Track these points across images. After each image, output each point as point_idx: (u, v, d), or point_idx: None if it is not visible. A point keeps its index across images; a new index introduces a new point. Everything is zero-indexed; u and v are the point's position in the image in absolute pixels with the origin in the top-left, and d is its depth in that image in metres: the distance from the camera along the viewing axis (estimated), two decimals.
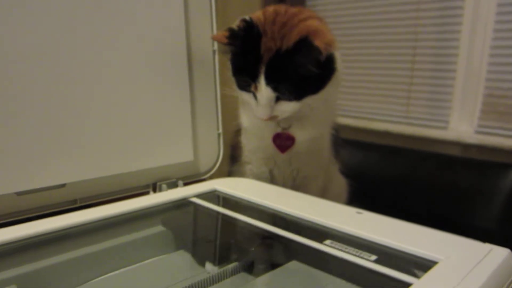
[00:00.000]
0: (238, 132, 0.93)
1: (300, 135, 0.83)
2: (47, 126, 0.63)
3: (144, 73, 0.74)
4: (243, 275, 0.56)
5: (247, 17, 0.74)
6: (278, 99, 0.72)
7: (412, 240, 0.53)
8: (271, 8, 0.75)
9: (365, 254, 0.52)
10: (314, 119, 0.83)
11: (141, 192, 0.76)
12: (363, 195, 1.02)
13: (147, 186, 0.77)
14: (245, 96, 0.76)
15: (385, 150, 1.41)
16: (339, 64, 0.77)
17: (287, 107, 0.73)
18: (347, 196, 1.04)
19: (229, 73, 0.78)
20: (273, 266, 0.55)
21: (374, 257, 0.51)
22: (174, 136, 0.78)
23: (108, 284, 0.56)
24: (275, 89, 0.70)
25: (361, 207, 0.65)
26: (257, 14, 0.75)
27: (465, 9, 1.66)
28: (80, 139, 0.67)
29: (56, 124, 0.64)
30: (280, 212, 0.66)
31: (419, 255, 0.50)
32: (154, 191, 0.77)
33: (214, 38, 0.79)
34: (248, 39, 0.71)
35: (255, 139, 0.88)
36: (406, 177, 1.31)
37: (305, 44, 0.67)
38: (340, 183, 1.03)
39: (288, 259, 0.55)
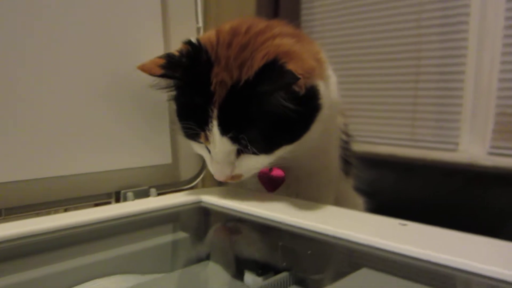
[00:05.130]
0: None
1: (295, 167, 0.63)
2: None
3: (110, 53, 0.57)
4: None
5: (193, 39, 0.54)
6: (240, 151, 0.52)
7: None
8: (227, 25, 0.55)
9: None
10: (309, 153, 0.61)
11: (98, 202, 0.56)
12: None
13: (108, 194, 0.57)
14: (196, 147, 0.55)
15: (401, 167, 1.25)
16: (328, 97, 0.56)
17: (254, 163, 0.53)
18: None
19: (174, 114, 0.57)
20: (335, 276, 0.39)
21: None
22: (146, 132, 0.60)
23: None
24: (234, 139, 0.50)
25: None
26: (208, 34, 0.55)
27: (470, 24, 1.56)
28: (8, 129, 0.48)
29: None
30: (295, 227, 0.47)
31: None
32: (118, 201, 0.57)
33: (141, 69, 0.53)
34: (194, 69, 0.51)
35: None
36: (428, 196, 1.13)
37: (272, 69, 0.48)
38: (355, 202, 0.84)
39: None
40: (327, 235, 0.44)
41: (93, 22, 0.56)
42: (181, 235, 0.55)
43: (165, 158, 0.62)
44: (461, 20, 1.54)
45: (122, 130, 0.58)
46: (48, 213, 0.51)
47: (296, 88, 0.47)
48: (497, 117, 1.51)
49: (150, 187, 0.60)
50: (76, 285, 0.42)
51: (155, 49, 0.61)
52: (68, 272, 0.45)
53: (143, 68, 0.52)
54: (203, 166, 0.66)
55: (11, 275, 0.44)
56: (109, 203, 0.57)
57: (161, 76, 0.52)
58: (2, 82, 0.48)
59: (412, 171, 1.32)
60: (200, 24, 0.67)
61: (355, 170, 0.83)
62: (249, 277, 0.42)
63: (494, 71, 1.49)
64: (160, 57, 0.52)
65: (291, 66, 0.46)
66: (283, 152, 0.52)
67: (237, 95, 0.49)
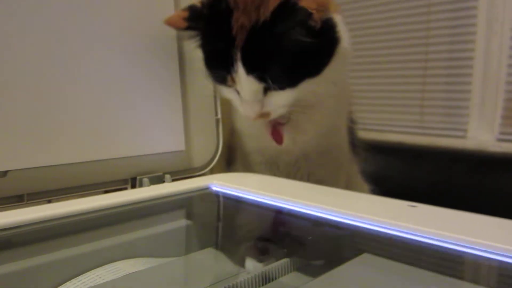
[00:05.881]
0: (233, 130, 0.75)
1: (308, 129, 0.65)
2: None
3: (122, 43, 0.58)
4: (296, 275, 0.40)
5: None
6: (267, 89, 0.55)
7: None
8: None
9: None
10: (323, 108, 0.65)
11: (114, 188, 0.58)
12: None
13: (124, 181, 0.59)
14: (225, 92, 0.59)
15: (409, 154, 1.25)
16: (344, 32, 0.59)
17: (281, 99, 0.56)
18: None
19: (200, 63, 0.60)
20: (335, 262, 0.39)
21: None
22: (160, 119, 0.61)
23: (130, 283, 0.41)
24: (260, 78, 0.53)
25: None
26: None
27: (479, 9, 1.55)
28: (29, 117, 0.50)
29: None
30: (308, 210, 0.48)
31: None
32: (133, 187, 0.59)
33: (167, 23, 0.58)
34: (215, 18, 0.55)
35: (250, 141, 0.70)
36: (437, 183, 1.14)
37: (286, 8, 0.51)
38: (362, 187, 0.85)
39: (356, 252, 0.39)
40: (334, 216, 0.45)
41: (107, 13, 0.57)
42: (194, 220, 0.57)
43: (178, 145, 0.63)
44: (470, 5, 1.53)
45: (138, 118, 0.60)
46: (67, 198, 0.53)
47: (312, 23, 0.50)
48: (506, 103, 1.50)
49: (165, 173, 0.61)
50: (96, 267, 0.44)
51: (167, 40, 0.63)
52: (88, 255, 0.47)
53: (169, 22, 0.57)
54: (215, 153, 0.68)
55: (33, 258, 0.45)
56: (125, 188, 0.59)
57: (186, 29, 0.56)
58: (18, 71, 0.50)
59: (420, 158, 1.32)
60: None
61: (361, 156, 0.84)
62: (250, 263, 0.43)
63: (503, 57, 1.48)
64: (183, 10, 0.56)
65: (303, 3, 0.49)
66: (311, 86, 0.56)
67: (257, 36, 0.52)
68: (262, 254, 0.43)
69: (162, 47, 0.63)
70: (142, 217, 0.54)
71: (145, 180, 0.59)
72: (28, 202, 0.51)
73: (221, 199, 0.58)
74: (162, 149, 0.61)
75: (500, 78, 1.50)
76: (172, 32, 0.64)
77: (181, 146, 0.63)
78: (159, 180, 0.60)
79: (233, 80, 0.55)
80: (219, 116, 0.69)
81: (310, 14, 0.50)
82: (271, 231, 0.52)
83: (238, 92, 0.56)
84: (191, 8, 0.56)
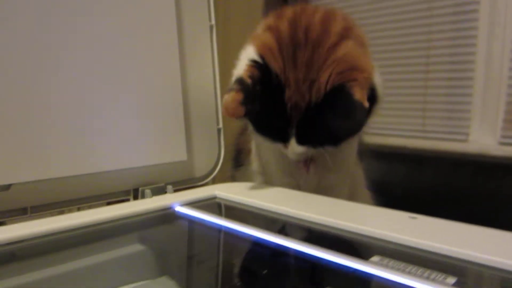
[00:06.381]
0: (243, 132, 0.75)
1: (333, 167, 0.66)
2: None
3: (124, 52, 0.58)
4: None
5: (256, 56, 0.56)
6: None
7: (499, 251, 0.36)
8: (282, 27, 0.58)
9: (437, 275, 0.34)
10: (350, 147, 0.69)
11: (117, 200, 0.58)
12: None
13: (126, 192, 0.59)
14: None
15: (411, 158, 1.25)
16: (380, 85, 0.62)
17: (323, 150, 0.59)
18: None
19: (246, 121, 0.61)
20: None
21: (452, 280, 0.34)
22: (161, 130, 0.61)
23: None
24: (309, 146, 0.57)
25: None
26: (268, 44, 0.57)
27: (480, 13, 1.55)
28: (32, 130, 0.50)
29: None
30: (306, 221, 0.48)
31: None
32: (135, 198, 0.59)
33: (230, 115, 0.54)
34: (268, 94, 0.55)
35: (268, 152, 0.70)
36: (439, 187, 1.14)
37: (342, 98, 0.53)
38: (366, 193, 0.85)
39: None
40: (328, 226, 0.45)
41: (108, 23, 0.58)
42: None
43: (180, 155, 0.64)
44: (472, 8, 1.52)
45: (139, 129, 0.60)
46: (71, 211, 0.54)
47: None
48: (508, 107, 1.50)
49: (167, 183, 0.62)
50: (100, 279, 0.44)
51: (168, 49, 0.63)
52: (90, 269, 0.47)
53: (228, 114, 0.54)
54: (217, 162, 0.68)
55: (36, 271, 0.45)
56: (127, 200, 0.59)
57: (246, 115, 0.55)
58: (18, 83, 0.50)
59: (423, 162, 1.33)
60: (213, 21, 0.68)
61: (365, 161, 0.84)
62: None
63: (504, 61, 1.48)
64: (236, 92, 0.53)
65: (357, 94, 0.51)
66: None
67: (310, 115, 0.54)
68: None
69: (164, 57, 0.64)
70: (144, 229, 0.54)
71: (147, 191, 0.59)
72: (32, 214, 0.51)
73: (226, 208, 0.58)
74: (164, 160, 0.62)
75: (501, 81, 1.49)
76: (174, 40, 0.64)
77: (183, 156, 0.64)
78: (161, 190, 0.61)
79: (286, 147, 0.58)
80: (221, 125, 0.69)
81: (364, 107, 0.51)
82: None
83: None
84: (244, 88, 0.54)
